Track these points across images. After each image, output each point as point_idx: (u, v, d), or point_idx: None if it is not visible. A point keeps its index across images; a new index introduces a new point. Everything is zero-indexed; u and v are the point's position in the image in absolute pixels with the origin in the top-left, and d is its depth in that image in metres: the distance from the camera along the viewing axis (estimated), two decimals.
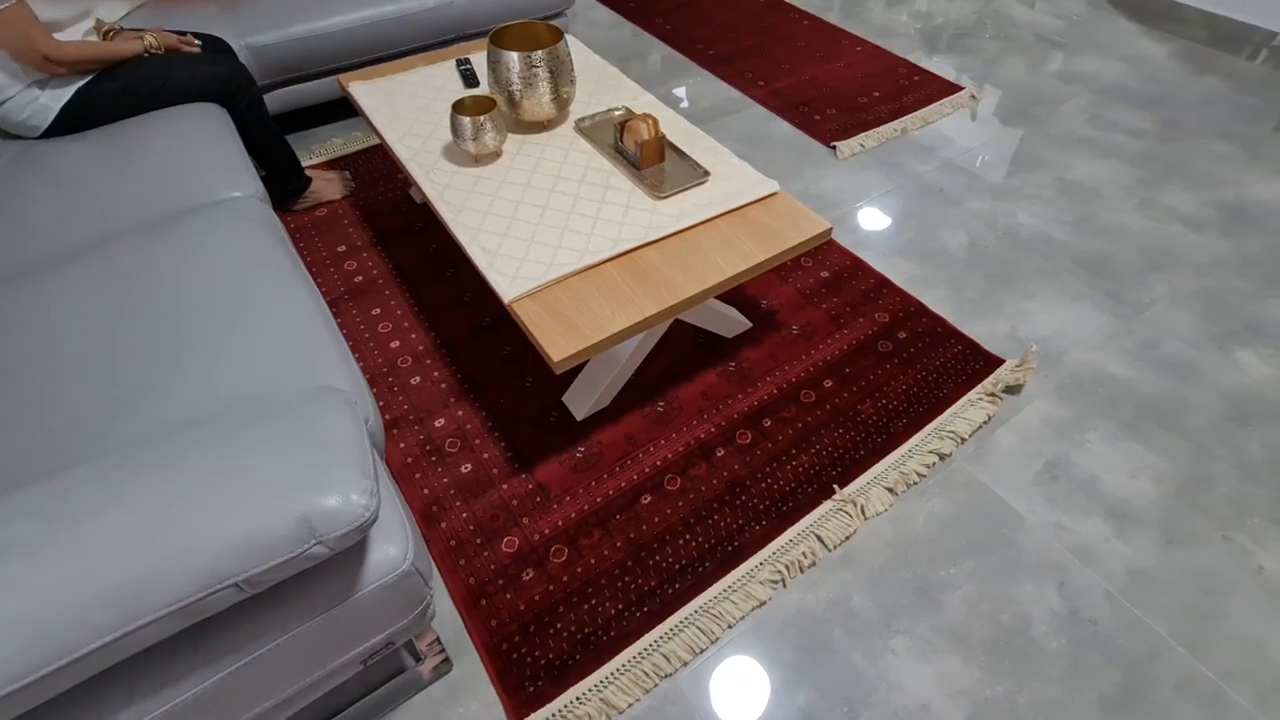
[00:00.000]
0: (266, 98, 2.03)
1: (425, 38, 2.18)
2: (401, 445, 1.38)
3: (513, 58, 1.43)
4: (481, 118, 1.40)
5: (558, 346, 1.11)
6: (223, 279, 1.16)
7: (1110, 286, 1.79)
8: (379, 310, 1.66)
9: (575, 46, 1.89)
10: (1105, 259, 1.87)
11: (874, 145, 2.28)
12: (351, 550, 0.79)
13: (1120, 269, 1.85)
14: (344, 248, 1.82)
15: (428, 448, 1.38)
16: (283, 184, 1.85)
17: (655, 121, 1.45)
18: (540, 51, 1.44)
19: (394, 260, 1.79)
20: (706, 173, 1.44)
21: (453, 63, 1.82)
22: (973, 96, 2.52)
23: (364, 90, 1.70)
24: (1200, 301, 1.76)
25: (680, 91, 2.53)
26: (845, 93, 2.52)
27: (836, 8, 3.14)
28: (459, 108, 1.42)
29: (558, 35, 1.51)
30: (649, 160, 1.45)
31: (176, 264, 1.19)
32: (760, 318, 1.66)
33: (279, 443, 0.71)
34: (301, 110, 2.28)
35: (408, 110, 1.64)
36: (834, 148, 2.25)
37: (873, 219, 1.99)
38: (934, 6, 3.17)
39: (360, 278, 1.74)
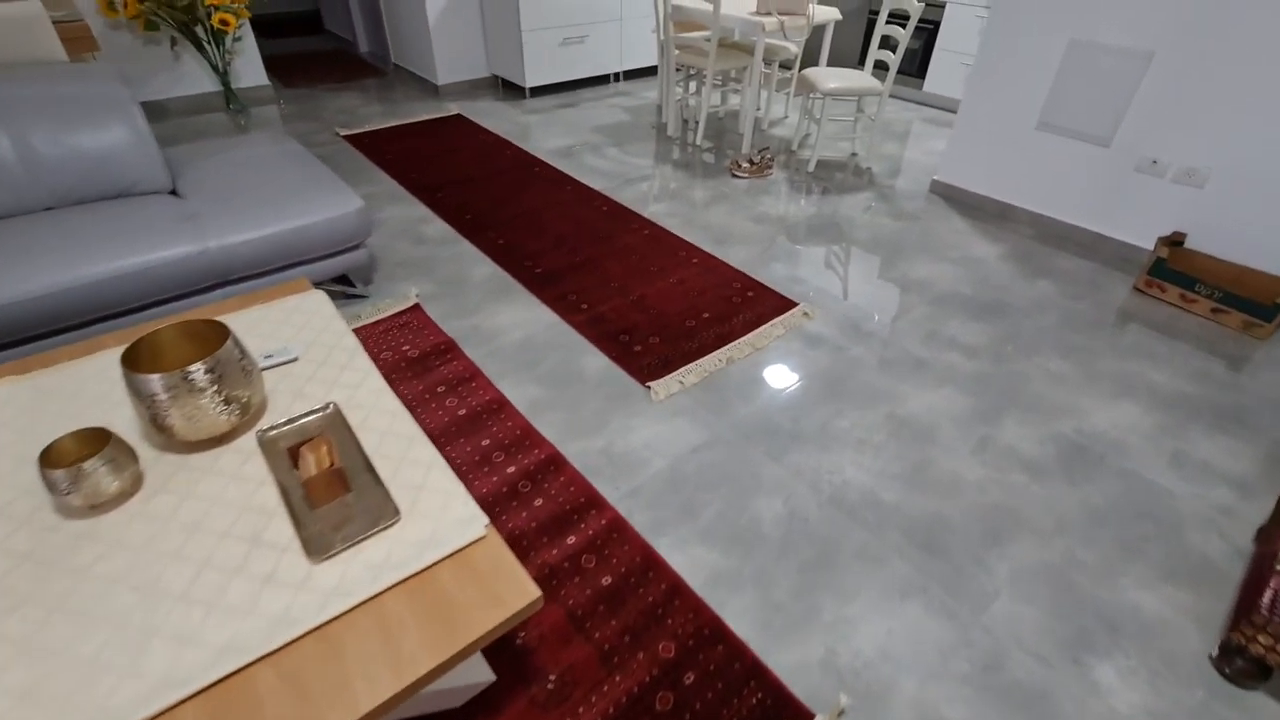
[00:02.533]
0: None
1: (176, 289, 1.90)
2: None
3: (152, 381, 1.11)
4: (87, 464, 1.05)
5: None
6: None
7: (945, 574, 1.51)
8: None
9: (319, 307, 1.62)
10: (939, 528, 1.61)
11: (694, 381, 2.06)
12: None
13: (956, 543, 1.58)
14: None
15: None
16: None
17: (330, 447, 1.14)
18: (197, 365, 1.14)
19: None
20: (397, 512, 1.11)
21: None
22: (805, 314, 2.39)
23: (2, 395, 1.36)
24: (1047, 587, 1.49)
25: (494, 321, 2.31)
26: (672, 315, 2.36)
27: (679, 214, 3.10)
28: (48, 457, 1.07)
29: (223, 334, 1.23)
30: (320, 500, 1.12)
31: None
32: (509, 660, 1.28)
33: None
34: None
35: (45, 422, 1.28)
36: (649, 388, 2.02)
37: (676, 488, 1.70)
38: (777, 208, 3.18)
39: None
